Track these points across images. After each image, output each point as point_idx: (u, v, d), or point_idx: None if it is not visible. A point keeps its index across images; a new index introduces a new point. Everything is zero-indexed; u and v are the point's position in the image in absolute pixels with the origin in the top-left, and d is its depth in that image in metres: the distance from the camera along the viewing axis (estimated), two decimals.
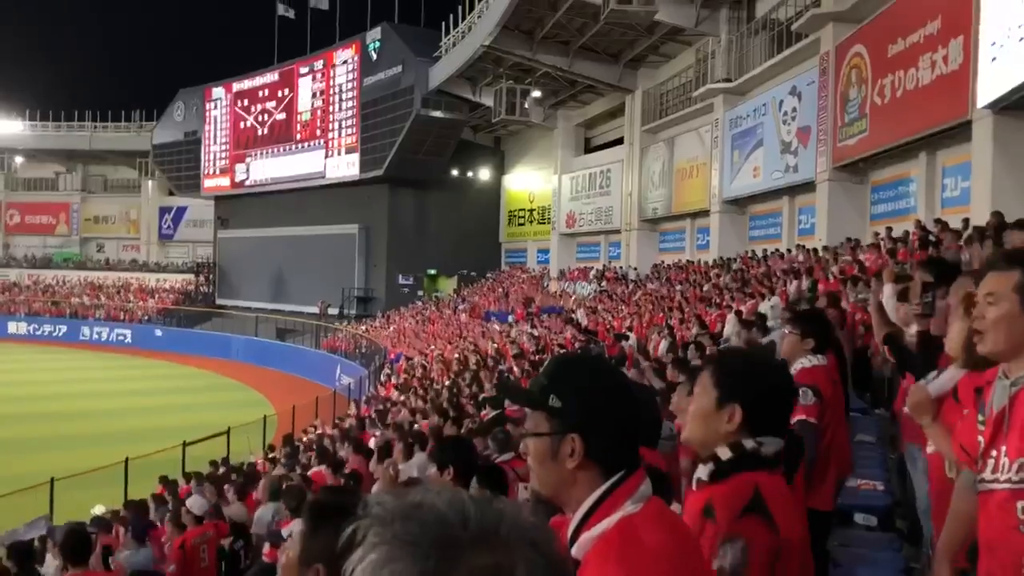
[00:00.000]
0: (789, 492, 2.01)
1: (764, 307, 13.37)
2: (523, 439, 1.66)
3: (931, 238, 13.11)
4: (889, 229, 16.17)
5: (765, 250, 22.02)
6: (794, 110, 21.55)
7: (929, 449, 2.90)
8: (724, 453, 1.91)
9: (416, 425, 11.64)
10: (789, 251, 20.33)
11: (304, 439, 16.57)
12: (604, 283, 29.60)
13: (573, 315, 24.51)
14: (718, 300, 17.05)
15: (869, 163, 18.96)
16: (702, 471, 1.95)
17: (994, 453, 2.02)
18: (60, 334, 44.83)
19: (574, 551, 1.53)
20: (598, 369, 1.69)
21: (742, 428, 1.92)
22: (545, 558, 0.78)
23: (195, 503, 7.58)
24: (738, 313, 13.74)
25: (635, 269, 29.69)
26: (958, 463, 2.44)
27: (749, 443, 1.91)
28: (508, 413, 7.60)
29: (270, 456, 14.77)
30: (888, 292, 5.79)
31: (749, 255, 22.56)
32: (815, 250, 17.95)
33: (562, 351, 17.15)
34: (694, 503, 1.92)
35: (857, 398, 8.16)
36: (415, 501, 0.78)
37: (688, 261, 26.81)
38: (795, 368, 3.93)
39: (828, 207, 19.84)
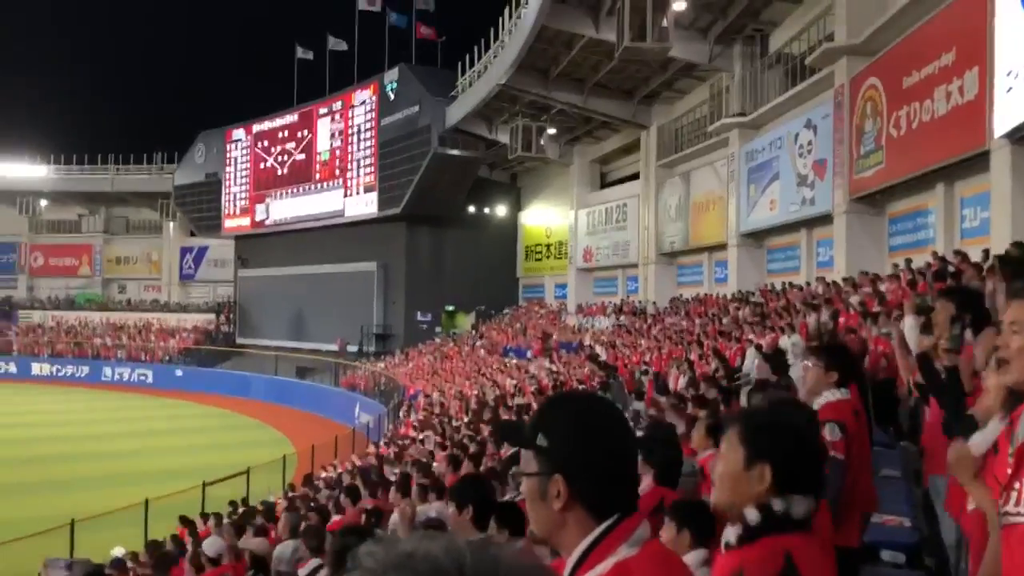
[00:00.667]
0: (822, 554, 1.93)
1: (784, 343, 13.27)
2: (518, 477, 1.64)
3: (951, 269, 13.01)
4: (908, 260, 16.06)
5: (784, 283, 21.93)
6: (810, 143, 21.57)
7: (969, 507, 2.82)
8: (752, 516, 1.84)
9: (434, 463, 11.58)
10: (808, 284, 20.22)
11: (323, 476, 16.53)
12: (622, 317, 29.53)
13: (594, 350, 24.42)
14: (737, 334, 16.96)
15: (886, 195, 18.89)
16: (730, 534, 1.89)
17: (1017, 485, 1.98)
18: (83, 375, 45.15)
19: None
20: (587, 408, 1.63)
21: (772, 488, 1.85)
22: None
23: (210, 545, 7.55)
24: (757, 347, 13.66)
25: (654, 303, 29.61)
26: (993, 502, 2.39)
27: (778, 504, 1.84)
28: None
29: (289, 496, 14.73)
30: (910, 324, 5.74)
31: (768, 288, 22.47)
32: (834, 283, 17.86)
33: (581, 387, 17.10)
34: (723, 568, 1.86)
35: (881, 431, 8.05)
36: (407, 551, 0.76)
37: (706, 294, 26.73)
38: (819, 402, 3.89)
39: (846, 239, 19.76)
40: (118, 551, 11.28)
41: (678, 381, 14.19)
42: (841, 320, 13.27)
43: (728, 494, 1.90)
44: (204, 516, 12.95)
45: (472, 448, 11.95)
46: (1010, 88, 13.09)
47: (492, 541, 0.88)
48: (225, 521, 11.57)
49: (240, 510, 13.23)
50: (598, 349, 24.42)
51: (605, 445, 1.55)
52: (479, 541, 0.81)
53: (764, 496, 1.85)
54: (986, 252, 13.07)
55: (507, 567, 0.76)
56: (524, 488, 1.59)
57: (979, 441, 2.68)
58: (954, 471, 2.67)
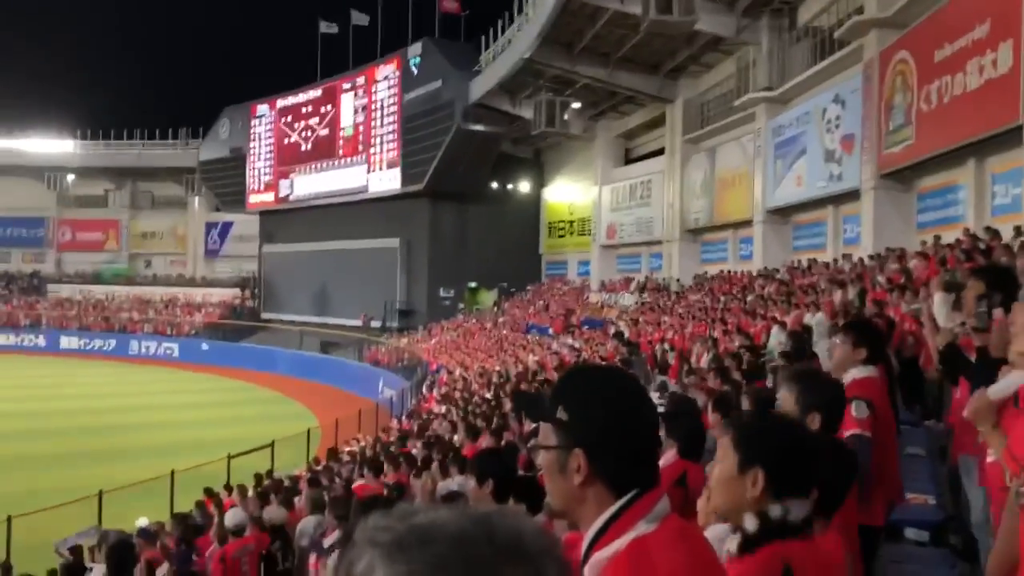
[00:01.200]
0: (821, 557, 1.93)
1: (809, 320, 13.13)
2: (535, 451, 1.60)
3: (981, 246, 12.79)
4: (937, 238, 15.83)
5: (810, 260, 21.71)
6: (838, 118, 21.25)
7: (989, 458, 2.79)
8: (751, 524, 1.85)
9: (456, 437, 11.63)
10: (835, 261, 20.00)
11: (347, 451, 16.66)
12: (646, 294, 29.40)
13: (618, 328, 24.36)
14: (762, 311, 16.82)
15: (915, 171, 18.60)
16: (731, 544, 1.88)
17: None
18: (110, 348, 45.73)
19: (586, 572, 1.47)
20: (608, 382, 1.59)
21: (766, 492, 1.85)
22: (564, 566, 0.75)
23: (232, 516, 7.62)
24: (782, 324, 13.53)
25: (678, 280, 29.43)
26: (1011, 474, 2.34)
27: (775, 511, 1.84)
28: None
29: (312, 470, 14.85)
30: (939, 300, 5.64)
31: (793, 265, 22.25)
32: (861, 260, 17.64)
33: (603, 363, 17.06)
34: None
35: (906, 410, 7.96)
36: (425, 523, 0.72)
37: (731, 272, 26.53)
38: (847, 379, 3.82)
39: (874, 216, 19.50)
40: (142, 521, 11.43)
41: (702, 358, 14.10)
42: (868, 298, 13.10)
43: (725, 499, 1.92)
44: (228, 488, 13.10)
45: (494, 422, 11.97)
46: None
47: (513, 510, 0.85)
48: (249, 493, 11.69)
49: (265, 482, 13.35)
50: (621, 326, 24.34)
51: (626, 419, 1.52)
52: (500, 510, 0.78)
53: (760, 501, 1.85)
54: (1017, 229, 12.85)
55: (530, 534, 0.74)
56: (542, 461, 1.56)
57: (999, 388, 2.64)
58: (973, 419, 2.66)
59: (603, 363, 15.19)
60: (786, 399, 2.98)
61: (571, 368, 1.72)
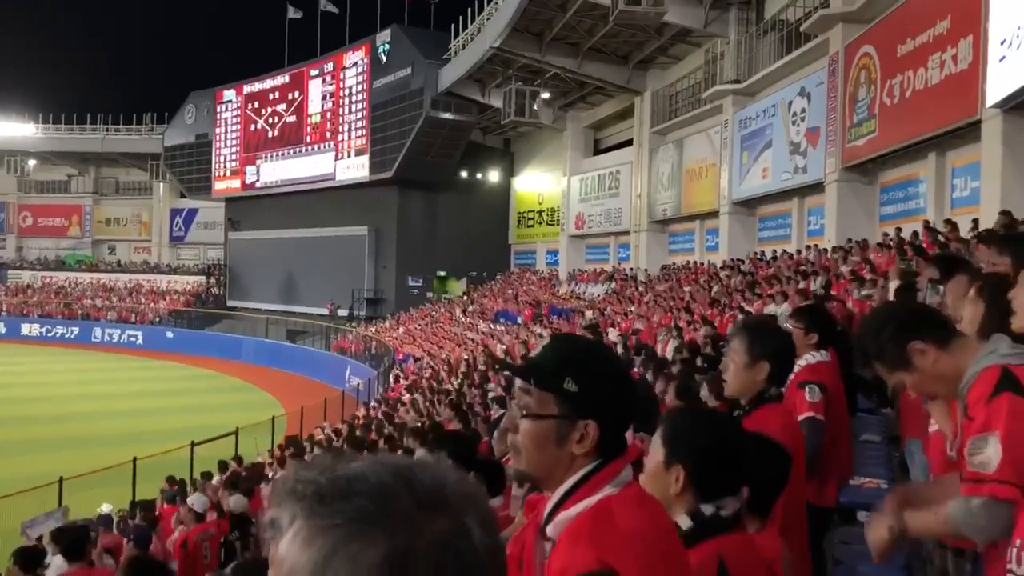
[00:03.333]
0: (754, 550, 1.97)
1: (773, 310, 13.30)
2: (519, 417, 1.59)
3: (940, 238, 13.03)
4: (899, 230, 16.09)
5: (774, 251, 21.96)
6: (803, 111, 21.49)
7: (931, 428, 2.85)
8: (684, 522, 1.87)
9: (420, 423, 11.65)
10: (799, 252, 20.26)
11: (315, 437, 16.61)
12: (613, 284, 29.56)
13: (589, 319, 24.47)
14: (727, 301, 16.99)
15: (878, 164, 18.89)
16: None
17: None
18: (72, 336, 45.09)
19: (549, 531, 1.52)
20: (611, 357, 1.67)
21: (688, 489, 1.88)
22: (487, 515, 0.74)
23: (196, 501, 7.59)
24: (746, 315, 13.69)
25: (645, 271, 29.63)
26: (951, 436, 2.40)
27: (708, 508, 1.87)
28: None
29: (276, 457, 14.80)
30: (895, 289, 5.77)
31: (758, 256, 22.50)
32: (825, 251, 17.88)
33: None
34: None
35: (864, 398, 8.11)
36: (349, 474, 0.70)
37: (697, 262, 26.75)
38: (799, 364, 3.91)
39: (837, 208, 19.78)
40: (105, 508, 11.34)
41: (667, 347, 14.23)
42: (832, 288, 13.29)
43: (653, 492, 1.91)
44: (193, 482, 13.00)
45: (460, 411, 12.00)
46: (1003, 57, 13.04)
47: (436, 461, 0.83)
48: (215, 479, 11.64)
49: (232, 469, 13.29)
50: (588, 315, 24.45)
51: (627, 392, 1.60)
52: (421, 460, 0.77)
53: (681, 498, 1.89)
54: (975, 222, 13.10)
55: (451, 483, 0.73)
56: (529, 428, 1.56)
57: None
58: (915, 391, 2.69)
59: (588, 336, 15.25)
60: (736, 348, 3.00)
61: (569, 339, 1.73)
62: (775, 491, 2.44)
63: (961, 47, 14.59)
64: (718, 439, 1.95)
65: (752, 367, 2.93)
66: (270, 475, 12.66)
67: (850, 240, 17.05)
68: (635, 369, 9.03)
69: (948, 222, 14.19)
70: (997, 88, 13.33)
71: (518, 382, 1.63)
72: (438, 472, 0.74)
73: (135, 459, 14.34)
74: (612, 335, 20.03)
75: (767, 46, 23.56)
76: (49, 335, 45.38)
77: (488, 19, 30.47)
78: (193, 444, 15.94)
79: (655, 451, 1.97)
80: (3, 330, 45.92)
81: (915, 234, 14.69)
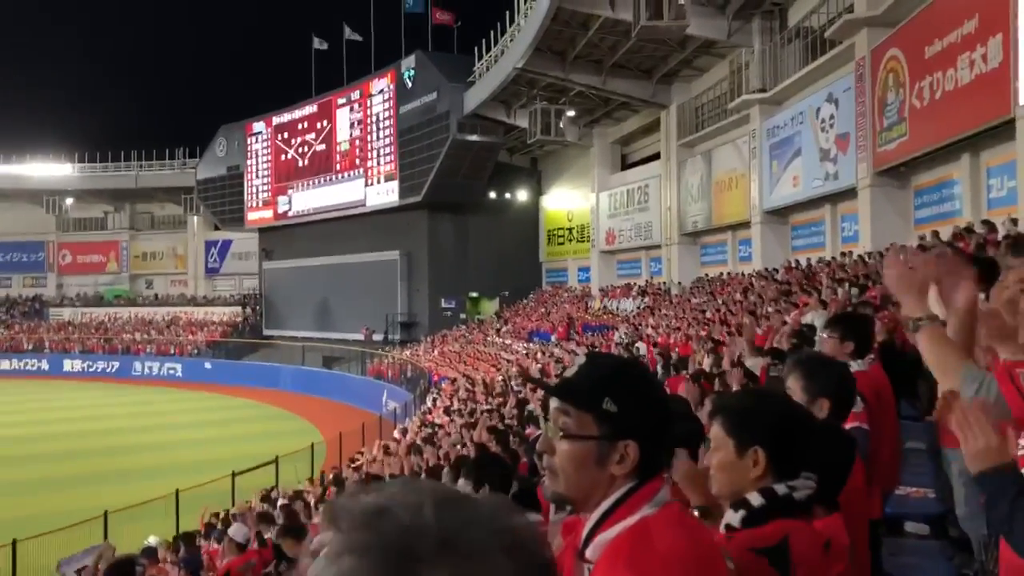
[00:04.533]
0: (820, 544, 1.92)
1: (810, 318, 13.13)
2: (557, 438, 1.57)
3: (980, 240, 12.80)
4: (936, 233, 15.83)
5: (808, 259, 21.73)
6: (832, 117, 21.30)
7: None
8: (755, 499, 1.84)
9: (463, 446, 11.64)
10: (834, 259, 20.02)
11: (352, 467, 16.65)
12: (646, 299, 29.41)
13: (619, 332, 24.35)
14: (763, 311, 16.81)
15: (910, 167, 18.63)
16: (732, 518, 1.88)
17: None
18: (113, 370, 45.76)
19: (588, 553, 1.50)
20: (649, 377, 1.65)
21: (769, 471, 1.85)
22: (521, 563, 0.70)
23: (237, 531, 7.63)
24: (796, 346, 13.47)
25: (679, 283, 29.45)
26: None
27: (781, 488, 1.84)
28: None
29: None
30: (933, 295, 5.66)
31: (793, 265, 22.28)
32: (861, 257, 17.65)
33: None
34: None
35: (909, 406, 7.97)
36: (379, 507, 0.70)
37: (731, 273, 26.54)
38: None
39: (871, 213, 19.53)
40: (152, 540, 11.44)
41: (704, 361, 14.09)
42: (870, 295, 13.10)
43: (727, 485, 1.91)
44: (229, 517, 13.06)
45: (498, 432, 11.97)
46: None
47: (468, 496, 0.79)
48: (256, 507, 11.70)
49: (276, 499, 13.34)
50: (623, 331, 24.34)
51: (665, 412, 1.58)
52: (455, 497, 0.73)
53: (763, 480, 1.86)
54: (1014, 221, 12.86)
55: (480, 527, 0.69)
56: (568, 449, 1.54)
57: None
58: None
59: (625, 356, 15.18)
60: (793, 387, 2.94)
61: (607, 359, 1.71)
62: (841, 476, 2.40)
63: (991, 46, 14.39)
64: (785, 416, 1.95)
65: (812, 404, 2.83)
66: (312, 502, 12.70)
67: (892, 244, 16.77)
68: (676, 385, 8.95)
69: (986, 222, 13.95)
70: None
71: (555, 402, 1.61)
72: (467, 515, 0.71)
73: (177, 491, 14.47)
74: (642, 349, 19.95)
75: (792, 54, 23.43)
76: (90, 370, 46.10)
77: (511, 40, 30.65)
78: (234, 474, 16.06)
79: (719, 445, 1.93)
80: (46, 367, 46.77)
81: (953, 236, 14.43)
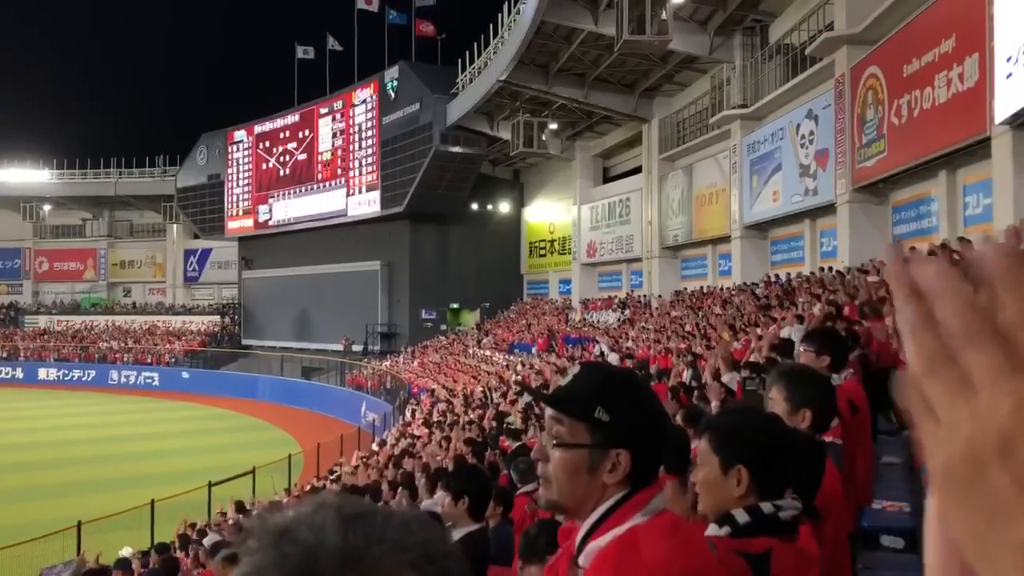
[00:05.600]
0: (803, 563, 1.93)
1: (788, 333, 13.22)
2: (550, 446, 1.59)
3: (955, 257, 12.95)
4: (913, 249, 16.00)
5: (788, 274, 21.89)
6: (811, 133, 21.52)
7: None
8: (741, 517, 1.86)
9: (440, 457, 11.60)
10: (813, 274, 20.18)
11: (331, 477, 16.56)
12: (627, 311, 29.50)
13: (609, 346, 24.40)
14: (742, 325, 16.91)
15: (889, 183, 18.85)
16: (716, 532, 1.89)
17: None
18: (89, 378, 45.26)
19: (581, 560, 1.51)
20: (642, 385, 1.66)
21: (752, 489, 1.87)
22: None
23: (210, 540, 7.57)
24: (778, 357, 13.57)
25: (659, 296, 29.59)
26: None
27: (767, 507, 1.85)
28: (531, 444, 7.55)
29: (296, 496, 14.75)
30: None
31: (772, 279, 22.43)
32: (839, 272, 17.80)
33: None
34: None
35: (885, 420, 8.03)
36: (283, 526, 0.68)
37: (710, 287, 26.68)
38: None
39: (849, 229, 19.72)
40: (126, 551, 11.32)
41: (683, 374, 14.15)
42: (846, 310, 13.21)
43: (712, 502, 1.93)
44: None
45: (475, 443, 11.95)
46: (1010, 74, 13.05)
47: (377, 511, 0.73)
48: (231, 518, 11.61)
49: (251, 510, 13.25)
50: (603, 343, 24.37)
51: (659, 421, 1.60)
52: (361, 511, 0.69)
53: (746, 499, 1.87)
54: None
55: (387, 543, 0.67)
56: (561, 458, 1.56)
57: None
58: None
59: (618, 365, 15.22)
60: (775, 397, 2.96)
61: (600, 368, 1.71)
62: (814, 485, 2.42)
63: (967, 65, 14.60)
64: (772, 436, 1.96)
65: (794, 415, 2.87)
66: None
67: (871, 260, 16.95)
68: None
69: (962, 239, 14.11)
70: (1005, 105, 13.32)
71: (549, 411, 1.62)
72: (370, 532, 0.68)
73: (153, 501, 14.33)
74: (614, 361, 20.01)
75: (773, 70, 23.67)
76: (66, 379, 45.59)
77: (494, 53, 30.76)
78: (211, 484, 15.93)
79: (704, 462, 1.95)
80: (21, 375, 46.20)
81: (930, 253, 14.59)
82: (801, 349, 4.04)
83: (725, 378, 6.33)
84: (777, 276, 22.52)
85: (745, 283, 23.63)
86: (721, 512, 1.91)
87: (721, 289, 25.10)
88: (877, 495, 5.05)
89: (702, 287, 27.50)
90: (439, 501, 7.15)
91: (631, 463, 1.52)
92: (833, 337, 4.22)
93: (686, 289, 28.81)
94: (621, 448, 1.53)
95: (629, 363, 15.00)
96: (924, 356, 0.46)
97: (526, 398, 18.50)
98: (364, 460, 17.78)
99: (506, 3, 29.57)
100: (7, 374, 46.38)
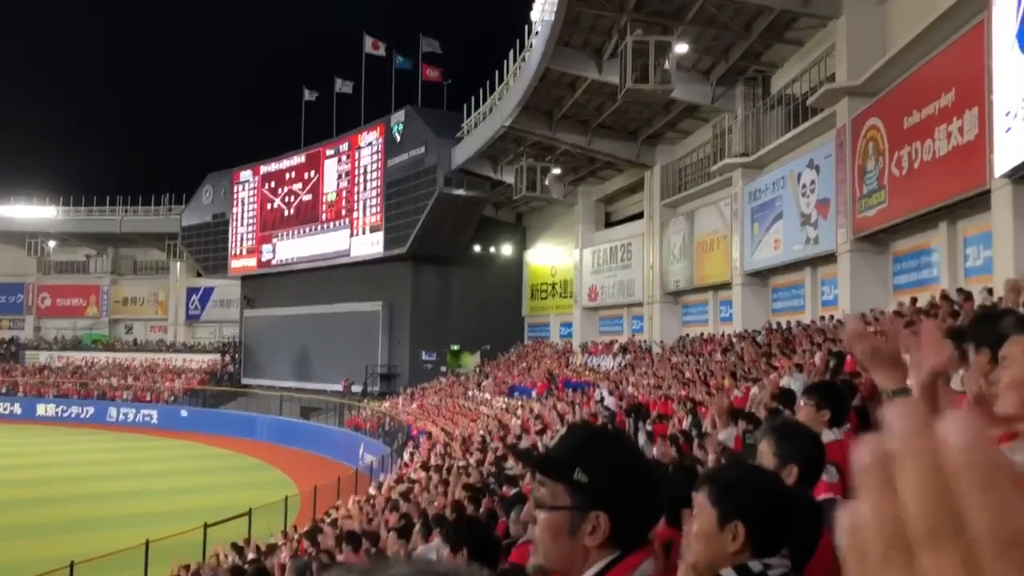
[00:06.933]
0: None
1: (788, 383, 13.19)
2: (535, 508, 1.58)
3: (955, 308, 12.96)
4: (914, 300, 16.03)
5: (788, 322, 21.90)
6: (812, 183, 21.68)
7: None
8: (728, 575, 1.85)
9: (437, 503, 11.51)
10: (813, 322, 20.18)
11: (328, 521, 16.41)
12: (628, 356, 29.44)
13: (609, 391, 24.31)
14: (743, 373, 16.88)
15: (889, 234, 18.94)
16: None
17: None
18: (87, 416, 45.08)
19: None
20: (626, 446, 1.64)
21: (747, 547, 1.85)
22: None
23: None
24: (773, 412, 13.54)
25: (660, 342, 29.56)
26: None
27: (756, 566, 1.83)
28: (527, 491, 7.50)
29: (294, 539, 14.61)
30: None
31: (773, 327, 22.43)
32: (841, 321, 17.80)
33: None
34: None
35: None
36: None
37: (711, 334, 26.67)
38: None
39: (850, 278, 19.76)
40: None
41: (683, 421, 14.10)
42: (848, 359, 13.19)
43: (704, 555, 1.90)
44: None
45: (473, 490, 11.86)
46: (1009, 128, 13.19)
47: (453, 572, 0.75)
48: (227, 561, 11.49)
49: (248, 554, 13.12)
50: (604, 388, 24.29)
51: (641, 482, 1.56)
52: (440, 571, 0.72)
53: (740, 556, 1.84)
54: (989, 291, 13.05)
55: None
56: (545, 520, 1.54)
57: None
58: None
59: (605, 425, 15.15)
60: (764, 451, 2.95)
61: (582, 429, 1.71)
62: (811, 545, 2.40)
63: (967, 118, 14.77)
64: (771, 493, 1.94)
65: (781, 470, 2.86)
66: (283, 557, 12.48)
67: (872, 310, 16.95)
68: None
69: (961, 291, 14.14)
70: (1005, 158, 13.45)
71: (534, 474, 1.62)
72: None
73: (148, 542, 14.19)
74: (610, 404, 19.95)
75: (774, 120, 23.91)
76: (64, 415, 45.41)
77: (499, 99, 31.13)
78: (206, 526, 15.79)
79: (702, 512, 1.92)
80: (19, 411, 46.00)
81: (932, 304, 14.61)
82: (801, 403, 4.04)
83: (722, 435, 6.30)
84: (778, 324, 22.53)
85: (746, 330, 23.62)
86: (711, 567, 1.88)
87: (722, 336, 25.08)
88: None
89: (703, 333, 27.48)
90: (435, 548, 7.09)
91: (611, 525, 1.49)
92: (834, 391, 4.21)
93: (687, 335, 28.79)
94: (600, 510, 1.50)
95: (622, 409, 14.93)
96: (880, 534, 0.41)
97: (524, 442, 18.40)
98: (360, 504, 17.64)
99: (512, 50, 30.01)
100: (5, 410, 46.19)
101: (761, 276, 25.55)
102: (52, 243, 55.19)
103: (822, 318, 19.81)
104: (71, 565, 12.80)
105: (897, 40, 17.59)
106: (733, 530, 1.85)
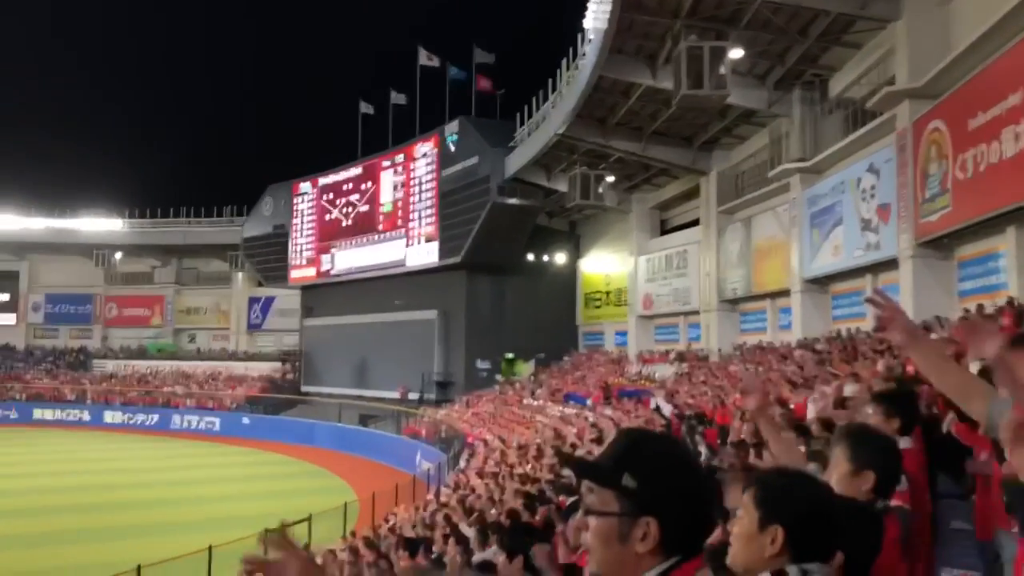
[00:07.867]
0: None
1: (850, 391, 12.93)
2: (586, 515, 1.58)
3: None
4: (980, 306, 15.61)
5: (849, 329, 21.47)
6: (873, 187, 21.24)
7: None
8: None
9: (494, 510, 11.54)
10: (875, 330, 19.75)
11: (386, 527, 16.57)
12: (684, 365, 29.15)
13: (665, 399, 24.12)
14: (802, 382, 16.58)
15: (954, 239, 18.45)
16: None
17: None
18: (152, 423, 46.23)
19: None
20: (675, 451, 1.61)
21: (784, 552, 1.84)
22: None
23: None
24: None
25: (719, 350, 29.21)
26: None
27: (794, 571, 1.82)
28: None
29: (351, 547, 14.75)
30: (976, 369, 5.58)
31: (833, 335, 22.01)
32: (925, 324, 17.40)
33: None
34: None
35: (952, 483, 7.78)
36: None
37: (770, 342, 26.27)
38: None
39: (913, 284, 19.30)
40: None
41: (741, 430, 13.92)
42: (910, 368, 12.89)
43: (743, 555, 1.90)
44: None
45: (529, 499, 11.86)
46: None
47: None
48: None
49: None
50: (660, 397, 24.09)
51: (692, 487, 1.55)
52: None
53: (777, 561, 1.84)
54: None
55: None
56: (595, 527, 1.54)
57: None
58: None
59: (658, 431, 15.06)
60: (839, 456, 2.86)
61: (630, 434, 1.67)
62: (869, 559, 2.36)
63: None
64: (815, 502, 1.91)
65: (857, 476, 2.78)
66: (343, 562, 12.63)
67: (936, 317, 16.55)
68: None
69: None
70: None
71: (585, 480, 1.63)
72: None
73: (211, 547, 14.49)
74: (665, 411, 19.76)
75: (832, 124, 23.51)
76: (131, 422, 46.63)
77: (552, 107, 31.16)
78: (266, 531, 16.02)
79: (746, 513, 1.92)
80: (87, 417, 47.42)
81: (998, 310, 14.21)
82: (870, 411, 3.97)
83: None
84: (839, 331, 22.11)
85: (805, 338, 23.22)
86: (748, 569, 1.88)
87: (781, 344, 24.69)
88: (945, 562, 4.91)
89: (761, 341, 27.08)
90: (492, 556, 7.12)
91: (662, 531, 1.48)
92: (904, 399, 4.12)
93: (745, 343, 28.40)
94: (650, 516, 1.49)
95: (676, 415, 14.79)
96: None
97: (579, 450, 18.34)
98: (418, 509, 17.77)
99: (564, 59, 30.03)
100: (75, 416, 47.66)
101: (820, 283, 25.10)
102: (118, 255, 56.83)
103: None
104: (138, 568, 13.13)
105: (960, 41, 17.17)
106: (772, 533, 1.85)
